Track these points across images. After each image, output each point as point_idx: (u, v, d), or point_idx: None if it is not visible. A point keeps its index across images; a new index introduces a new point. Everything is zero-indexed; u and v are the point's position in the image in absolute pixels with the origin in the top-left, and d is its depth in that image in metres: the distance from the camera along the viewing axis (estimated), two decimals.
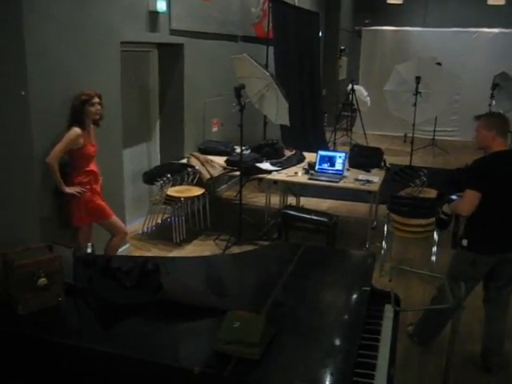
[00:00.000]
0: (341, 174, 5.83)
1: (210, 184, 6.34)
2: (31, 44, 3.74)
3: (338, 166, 5.91)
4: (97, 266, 2.66)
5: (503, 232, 3.45)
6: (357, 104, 11.39)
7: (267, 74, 5.76)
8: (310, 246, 3.14)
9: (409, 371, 3.64)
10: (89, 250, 2.88)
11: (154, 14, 5.53)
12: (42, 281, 2.34)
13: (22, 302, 2.30)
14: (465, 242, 3.50)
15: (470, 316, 4.18)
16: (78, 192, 4.07)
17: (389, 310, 2.88)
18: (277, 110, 6.00)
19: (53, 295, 2.39)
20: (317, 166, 5.96)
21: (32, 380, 2.28)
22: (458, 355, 3.59)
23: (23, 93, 3.63)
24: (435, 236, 5.25)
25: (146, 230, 5.99)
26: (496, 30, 12.17)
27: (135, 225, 6.21)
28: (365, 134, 11.15)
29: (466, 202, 3.41)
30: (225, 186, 7.86)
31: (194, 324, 2.33)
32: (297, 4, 9.77)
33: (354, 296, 2.59)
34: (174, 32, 5.98)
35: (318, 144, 9.55)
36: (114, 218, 4.44)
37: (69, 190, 4.04)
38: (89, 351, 2.16)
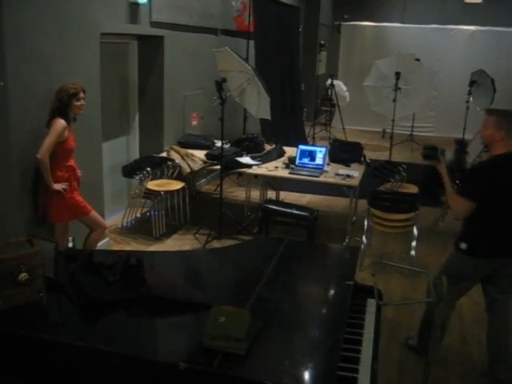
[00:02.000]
0: (321, 169, 5.85)
1: (190, 178, 6.31)
2: (9, 32, 3.66)
3: (319, 160, 5.92)
4: (79, 261, 2.62)
5: (504, 237, 3.36)
6: (336, 99, 11.43)
7: (249, 67, 5.74)
8: (293, 241, 3.15)
9: (390, 366, 3.67)
10: (70, 245, 2.85)
11: (134, 6, 5.46)
12: (23, 276, 2.30)
13: (2, 297, 2.26)
14: (463, 246, 3.40)
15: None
16: (64, 189, 4.01)
17: (371, 305, 2.90)
18: (258, 104, 5.98)
19: (34, 290, 2.35)
20: (297, 161, 5.96)
21: (18, 377, 2.24)
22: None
23: (2, 83, 3.55)
24: (415, 231, 5.30)
25: (125, 224, 5.93)
26: (473, 28, 12.32)
27: (114, 219, 6.15)
28: (344, 128, 11.20)
29: (460, 207, 3.33)
30: (204, 180, 7.83)
31: (179, 319, 2.32)
32: None
33: (338, 290, 2.59)
34: (154, 24, 5.92)
35: (297, 139, 9.58)
36: (93, 214, 4.38)
37: (56, 186, 3.98)
38: (72, 347, 2.14)
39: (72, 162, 4.19)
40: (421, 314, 4.08)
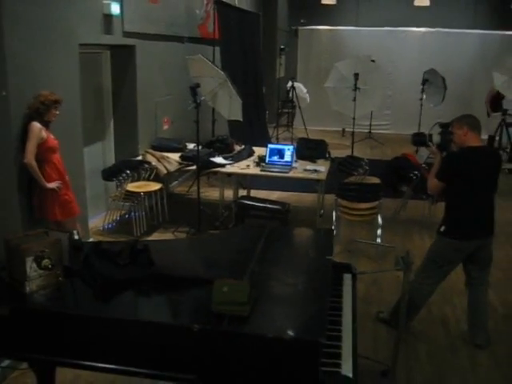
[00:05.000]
0: (290, 165, 6.25)
1: (167, 179, 6.61)
2: (8, 45, 3.94)
3: (287, 157, 6.32)
4: (89, 249, 2.92)
5: (478, 219, 3.83)
6: (297, 100, 11.88)
7: (221, 72, 6.10)
8: (274, 227, 3.52)
9: (364, 336, 4.07)
10: (76, 237, 3.13)
11: (108, 17, 5.75)
12: (46, 262, 2.58)
13: (29, 281, 2.55)
14: (442, 228, 3.88)
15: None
16: (58, 187, 4.28)
17: (347, 278, 3.31)
18: (230, 107, 6.35)
19: (54, 275, 2.65)
20: (267, 159, 6.34)
21: (43, 352, 2.53)
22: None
23: (4, 93, 3.82)
24: (379, 219, 5.75)
25: (106, 226, 6.19)
26: (423, 30, 13.00)
27: (93, 221, 6.39)
28: (306, 129, 11.65)
29: (431, 185, 3.92)
30: (176, 182, 8.13)
31: (187, 292, 2.65)
32: (237, 5, 10.14)
33: (320, 263, 2.97)
34: (126, 34, 6.22)
35: (263, 140, 9.97)
36: (75, 218, 4.68)
37: (50, 185, 4.25)
38: (93, 319, 2.44)
39: (59, 159, 4.47)
40: (388, 291, 4.53)
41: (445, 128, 4.19)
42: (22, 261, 2.54)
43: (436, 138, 4.16)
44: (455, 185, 3.78)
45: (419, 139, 4.39)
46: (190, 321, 2.35)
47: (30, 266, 2.56)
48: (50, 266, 2.60)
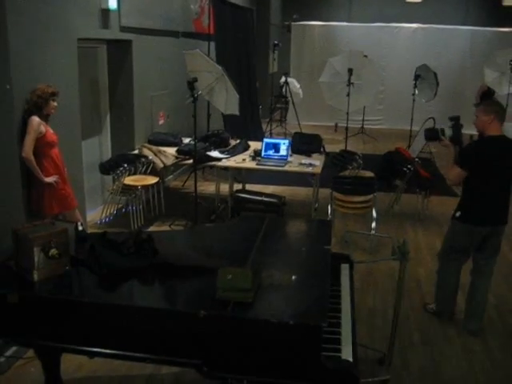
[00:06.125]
0: (285, 159, 6.33)
1: (163, 172, 6.68)
2: (12, 40, 3.99)
3: (283, 151, 6.40)
4: (94, 239, 2.99)
5: (493, 206, 3.96)
6: (290, 96, 11.95)
7: (219, 67, 6.16)
8: (274, 218, 3.60)
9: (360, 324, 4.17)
10: (80, 228, 3.20)
11: (105, 12, 5.79)
12: (53, 251, 2.65)
13: (38, 269, 2.61)
14: (457, 214, 4.02)
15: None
16: (55, 181, 4.33)
17: (345, 268, 3.40)
18: (226, 101, 6.41)
19: (62, 264, 2.71)
20: (263, 153, 6.42)
21: (50, 338, 2.60)
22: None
23: (8, 86, 3.86)
24: (374, 213, 5.85)
25: (103, 219, 6.24)
26: (415, 26, 13.09)
27: (90, 215, 6.43)
28: (299, 124, 11.72)
29: (453, 174, 3.98)
30: (171, 176, 8.19)
31: (191, 280, 2.73)
32: (231, 0, 10.18)
33: (320, 252, 3.05)
34: (123, 29, 6.26)
35: (256, 134, 10.05)
36: (76, 210, 4.73)
37: (47, 179, 4.30)
38: (99, 306, 2.52)
39: (57, 153, 4.51)
40: (383, 282, 4.63)
41: (456, 121, 4.32)
42: (30, 250, 2.61)
43: (448, 132, 4.29)
44: (474, 172, 3.89)
45: (432, 134, 4.51)
46: (195, 307, 2.42)
47: (38, 255, 2.62)
48: (57, 256, 2.66)
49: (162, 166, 6.29)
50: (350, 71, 8.49)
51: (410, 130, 10.18)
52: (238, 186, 7.43)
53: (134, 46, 6.63)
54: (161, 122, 7.66)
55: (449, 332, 4.21)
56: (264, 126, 11.69)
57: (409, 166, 6.66)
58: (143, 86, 6.99)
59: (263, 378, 2.39)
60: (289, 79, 11.90)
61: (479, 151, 3.92)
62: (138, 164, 6.30)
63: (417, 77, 10.10)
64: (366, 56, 9.78)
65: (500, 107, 3.99)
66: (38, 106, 4.27)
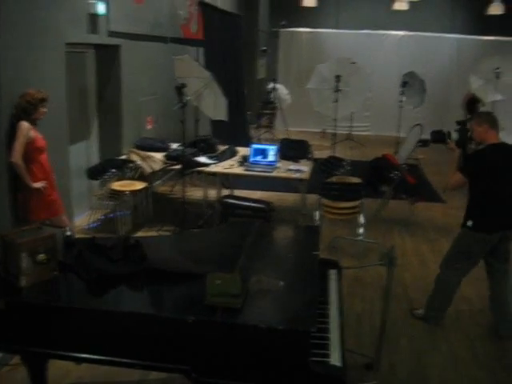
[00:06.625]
0: (273, 165, 6.34)
1: (152, 177, 6.66)
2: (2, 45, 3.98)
3: (271, 157, 6.41)
4: (82, 245, 2.97)
5: (505, 211, 4.00)
6: (278, 102, 11.99)
7: (208, 73, 6.16)
8: (263, 223, 3.61)
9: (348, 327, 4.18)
10: (68, 233, 3.18)
11: (94, 17, 5.79)
12: (41, 256, 2.64)
13: (25, 275, 2.59)
14: (470, 223, 4.03)
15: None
16: (43, 187, 4.31)
17: (333, 274, 3.41)
18: (214, 107, 6.42)
19: (49, 269, 2.70)
20: (251, 158, 6.42)
21: (37, 345, 2.58)
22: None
23: None
24: (361, 218, 5.88)
25: (91, 225, 6.21)
26: (402, 33, 13.22)
27: (77, 220, 6.40)
28: (287, 130, 11.76)
29: (454, 180, 4.06)
30: (159, 181, 8.16)
31: (179, 286, 2.72)
32: (219, 6, 10.21)
33: (308, 258, 3.06)
34: (111, 34, 6.25)
35: (244, 140, 10.05)
36: (63, 216, 4.71)
37: (35, 185, 4.27)
38: (86, 312, 2.50)
39: (46, 159, 4.49)
40: (371, 288, 4.64)
41: (462, 125, 4.38)
42: (17, 255, 2.59)
43: (454, 135, 4.34)
44: (481, 180, 3.95)
45: (439, 136, 4.55)
46: (183, 313, 2.41)
47: (26, 260, 2.60)
48: (45, 261, 2.65)
49: (150, 171, 6.27)
50: (338, 78, 8.55)
51: (397, 137, 10.26)
52: (225, 192, 7.43)
53: (122, 51, 6.63)
54: (149, 127, 7.65)
55: (436, 337, 4.23)
56: (251, 132, 11.70)
57: (396, 172, 6.70)
58: (131, 91, 6.97)
59: None
60: (277, 85, 11.94)
61: (481, 159, 3.99)
62: (125, 169, 6.28)
63: (404, 84, 10.19)
64: (354, 63, 9.85)
65: (491, 116, 4.09)
66: (27, 111, 4.25)
